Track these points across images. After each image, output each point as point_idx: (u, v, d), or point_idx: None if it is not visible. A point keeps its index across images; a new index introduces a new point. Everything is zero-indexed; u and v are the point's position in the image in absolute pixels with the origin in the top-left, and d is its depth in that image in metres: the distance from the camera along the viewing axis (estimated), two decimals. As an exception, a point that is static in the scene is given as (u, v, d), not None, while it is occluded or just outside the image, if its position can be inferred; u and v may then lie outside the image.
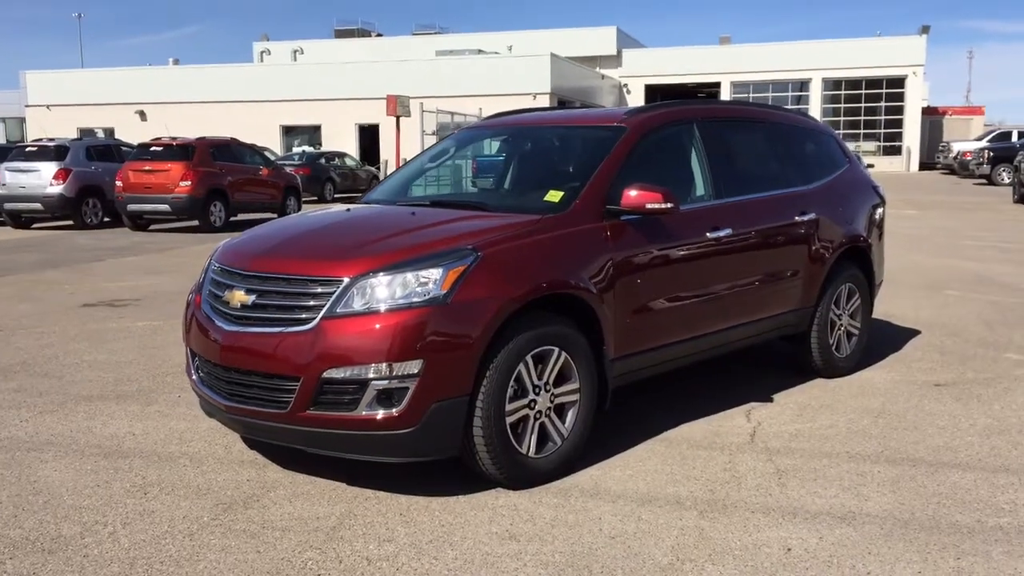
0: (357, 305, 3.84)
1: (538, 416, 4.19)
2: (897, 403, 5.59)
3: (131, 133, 35.45)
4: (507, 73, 39.93)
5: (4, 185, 18.48)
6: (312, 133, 42.34)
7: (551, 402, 4.24)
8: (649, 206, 4.53)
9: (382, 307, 3.82)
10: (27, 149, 19.47)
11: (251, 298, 4.06)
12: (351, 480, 4.22)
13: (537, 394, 4.16)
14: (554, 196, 4.66)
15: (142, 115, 43.45)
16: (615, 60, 52.17)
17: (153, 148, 18.24)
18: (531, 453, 4.16)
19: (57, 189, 18.23)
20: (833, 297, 6.09)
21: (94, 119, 44.10)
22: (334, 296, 3.88)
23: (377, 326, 3.80)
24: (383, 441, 3.84)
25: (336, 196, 29.34)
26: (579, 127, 5.36)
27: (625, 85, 52.13)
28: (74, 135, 34.54)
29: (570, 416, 4.34)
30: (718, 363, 6.45)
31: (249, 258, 4.28)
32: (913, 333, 7.64)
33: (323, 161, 30.32)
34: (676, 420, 5.18)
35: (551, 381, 4.23)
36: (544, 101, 38.26)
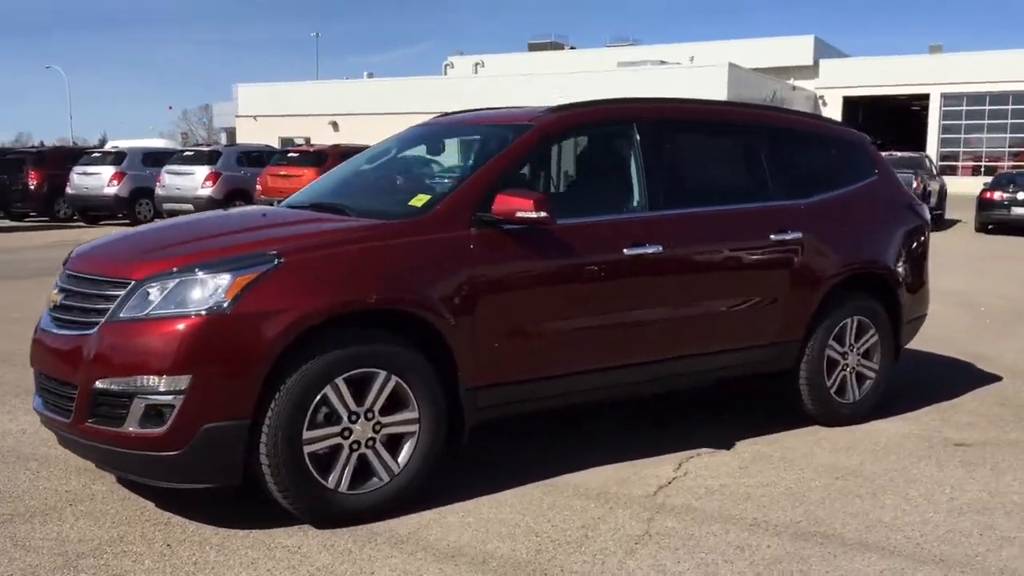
0: (136, 311, 3.51)
1: (356, 447, 3.69)
2: (880, 464, 4.62)
3: (325, 142, 37.26)
4: (683, 84, 38.76)
5: (163, 186, 19.83)
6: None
7: (375, 432, 3.73)
8: (519, 214, 3.92)
9: (157, 314, 3.47)
10: (185, 154, 21.03)
11: (60, 297, 3.84)
12: (163, 503, 3.89)
13: (354, 422, 3.67)
14: (419, 200, 4.13)
15: (335, 126, 45.62)
16: (811, 71, 49.52)
17: (291, 154, 19.08)
18: (342, 488, 3.66)
19: (207, 191, 19.38)
20: (831, 331, 5.14)
21: (293, 129, 46.76)
22: (119, 300, 3.57)
23: (146, 335, 3.45)
24: (152, 463, 3.48)
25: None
26: (490, 126, 4.77)
27: (821, 97, 49.33)
28: (276, 144, 36.74)
29: (406, 450, 3.82)
30: (700, 398, 5.65)
31: (75, 257, 4.07)
32: (990, 379, 6.44)
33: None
34: (590, 462, 4.49)
35: (376, 408, 3.72)
36: (720, 113, 36.74)
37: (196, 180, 19.54)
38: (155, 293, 3.50)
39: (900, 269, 5.48)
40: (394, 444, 3.81)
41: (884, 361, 5.43)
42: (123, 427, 3.46)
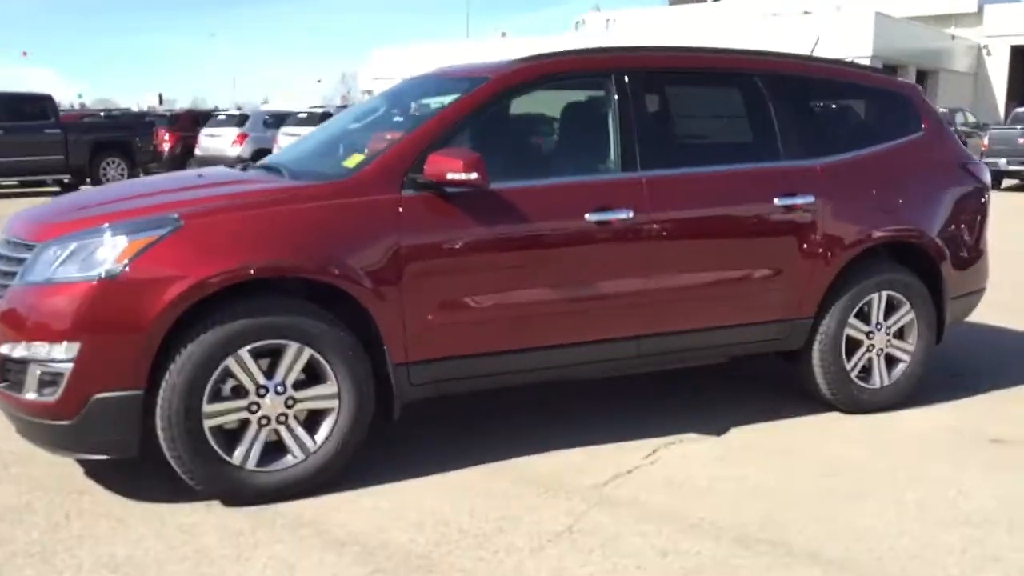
0: (37, 275, 3.41)
1: (265, 423, 3.50)
2: (888, 459, 4.07)
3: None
4: (826, 35, 36.57)
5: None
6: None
7: (288, 407, 3.52)
8: (449, 176, 3.59)
9: (54, 278, 3.36)
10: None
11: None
12: (92, 472, 3.81)
13: (262, 396, 3.47)
14: (352, 160, 3.86)
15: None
16: (974, 18, 45.69)
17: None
18: (249, 465, 3.48)
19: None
20: (852, 307, 4.56)
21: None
22: (26, 264, 3.48)
23: (41, 299, 3.36)
24: (48, 431, 3.40)
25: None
26: (452, 80, 4.39)
27: (984, 47, 45.57)
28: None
29: (324, 427, 3.60)
30: (712, 377, 5.17)
31: (9, 220, 4.01)
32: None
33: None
34: (556, 444, 4.15)
35: (288, 383, 3.51)
36: (865, 66, 34.42)
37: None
38: (56, 256, 3.39)
39: (946, 238, 4.80)
40: (314, 421, 3.60)
41: (922, 343, 4.79)
42: (23, 394, 3.39)
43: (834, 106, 4.77)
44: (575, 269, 3.95)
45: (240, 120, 22.74)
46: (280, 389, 3.50)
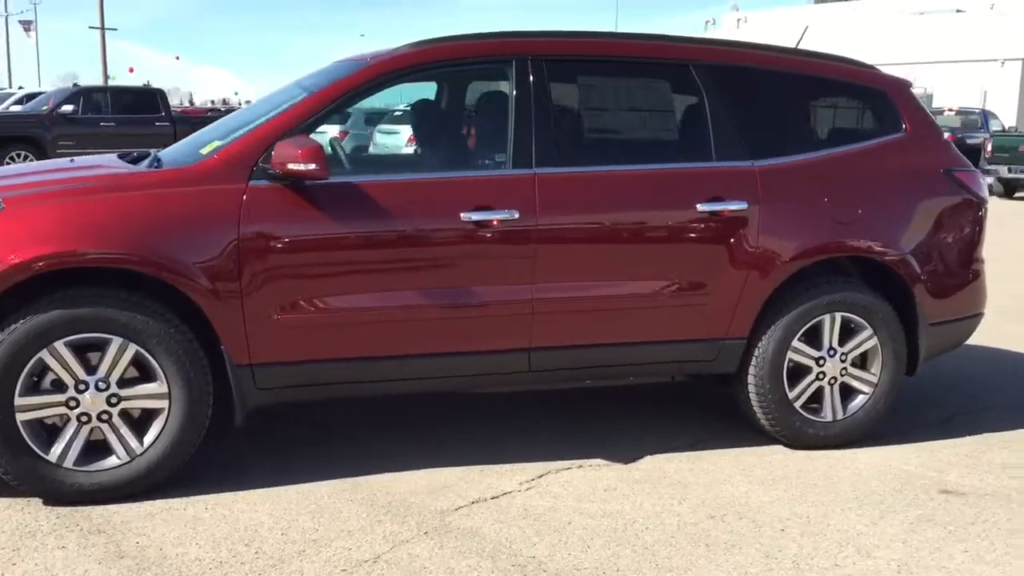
0: None
1: (85, 420, 3.34)
2: (798, 506, 3.55)
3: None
4: (976, 36, 34.21)
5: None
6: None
7: (111, 405, 3.35)
8: (290, 166, 3.34)
9: None
10: (395, 113, 22.46)
11: None
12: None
13: (81, 392, 3.32)
14: (208, 148, 3.65)
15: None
16: None
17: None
18: (67, 463, 3.33)
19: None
20: (796, 329, 4.02)
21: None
22: None
23: None
24: None
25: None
26: (348, 63, 4.07)
27: None
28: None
29: (153, 429, 3.41)
30: (666, 397, 4.71)
31: None
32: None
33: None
34: (436, 461, 3.83)
35: (112, 379, 3.34)
36: (1015, 70, 32.03)
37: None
38: None
39: (921, 257, 4.18)
40: (145, 421, 3.43)
41: (888, 373, 4.19)
42: None
43: (787, 102, 4.21)
44: (448, 273, 3.62)
45: (343, 118, 23.17)
46: (102, 385, 3.33)
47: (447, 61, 3.84)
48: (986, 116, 22.81)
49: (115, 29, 61.32)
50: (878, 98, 4.31)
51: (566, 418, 4.47)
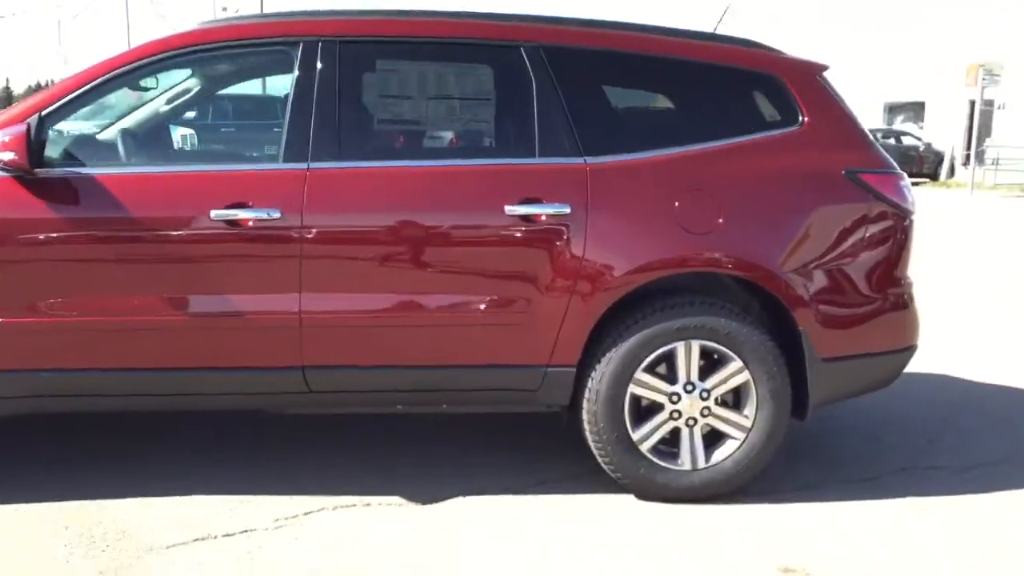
0: None
1: None
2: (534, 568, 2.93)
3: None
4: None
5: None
6: (915, 111, 37.48)
7: None
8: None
9: None
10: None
11: None
12: None
13: None
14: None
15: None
16: None
17: None
18: None
19: None
20: (641, 358, 3.37)
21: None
22: None
23: None
24: None
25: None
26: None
27: None
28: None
29: None
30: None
31: None
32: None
33: (866, 140, 26.78)
34: (209, 488, 3.45)
35: None
36: None
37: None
38: None
39: (808, 276, 3.44)
40: None
41: (765, 415, 3.46)
42: None
43: (641, 90, 3.55)
44: (197, 278, 3.22)
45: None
46: None
47: (228, 43, 3.43)
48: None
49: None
50: (768, 85, 3.57)
51: (397, 444, 3.97)
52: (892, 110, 39.18)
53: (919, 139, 29.07)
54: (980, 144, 25.75)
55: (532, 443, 4.00)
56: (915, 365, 3.77)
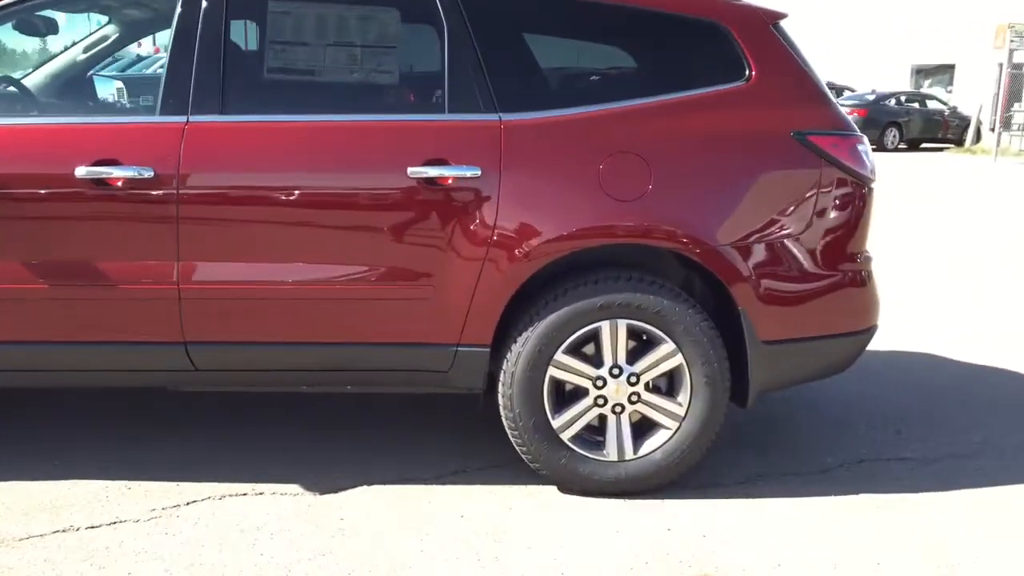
0: None
1: None
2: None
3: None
4: None
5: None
6: (945, 75, 36.43)
7: None
8: None
9: None
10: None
11: None
12: None
13: None
14: None
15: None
16: None
17: None
18: None
19: None
20: (561, 338, 3.03)
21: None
22: None
23: None
24: None
25: (901, 146, 25.12)
26: None
27: None
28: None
29: None
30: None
31: None
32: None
33: (891, 103, 25.99)
34: (108, 472, 3.18)
35: None
36: None
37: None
38: None
39: (745, 250, 3.07)
40: None
41: (701, 403, 3.13)
42: None
43: (569, 39, 3.18)
44: (60, 243, 2.91)
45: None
46: None
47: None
48: None
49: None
50: (711, 34, 3.17)
51: (314, 427, 3.68)
52: (921, 73, 38.15)
53: (944, 103, 28.14)
54: (1008, 109, 24.90)
55: (469, 428, 3.69)
56: (895, 343, 3.42)
